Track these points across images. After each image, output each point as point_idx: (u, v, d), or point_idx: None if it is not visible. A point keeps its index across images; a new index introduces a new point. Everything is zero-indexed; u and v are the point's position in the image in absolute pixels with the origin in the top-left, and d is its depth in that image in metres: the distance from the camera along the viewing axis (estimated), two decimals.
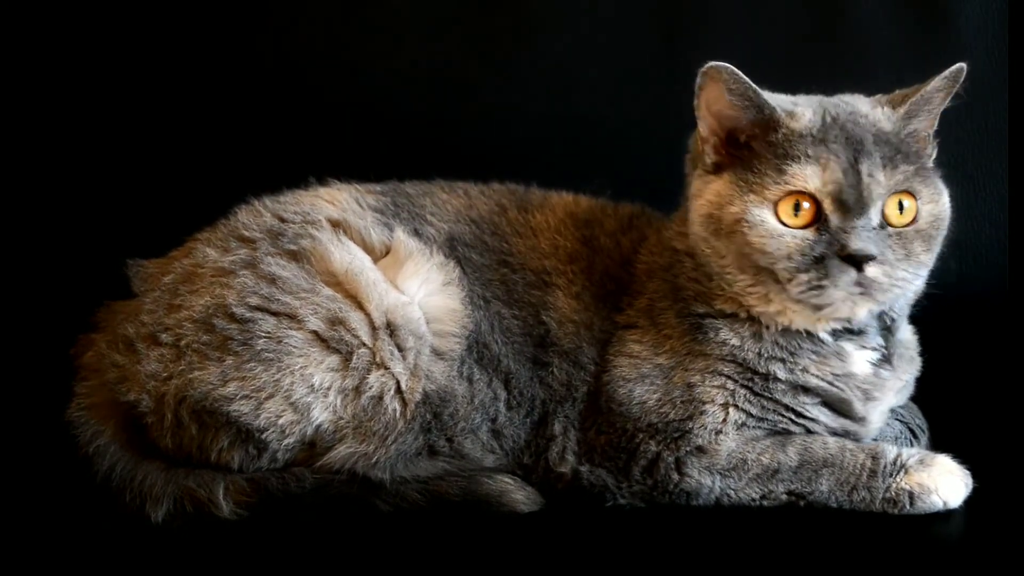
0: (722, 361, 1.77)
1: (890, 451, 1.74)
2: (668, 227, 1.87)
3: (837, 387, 1.77)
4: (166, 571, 1.66)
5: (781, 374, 1.76)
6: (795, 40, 2.51)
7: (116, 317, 1.86)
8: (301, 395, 1.73)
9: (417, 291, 1.82)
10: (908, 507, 1.72)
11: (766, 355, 1.76)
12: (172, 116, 2.55)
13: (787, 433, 1.78)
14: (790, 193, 1.66)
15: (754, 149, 1.71)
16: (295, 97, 2.57)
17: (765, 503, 1.76)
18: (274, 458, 1.77)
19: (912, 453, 1.75)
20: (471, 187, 1.99)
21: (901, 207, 1.68)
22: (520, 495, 1.79)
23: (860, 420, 1.79)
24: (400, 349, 1.77)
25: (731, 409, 1.76)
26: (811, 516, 1.74)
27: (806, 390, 1.77)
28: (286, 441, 1.75)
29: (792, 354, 1.76)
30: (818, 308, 1.70)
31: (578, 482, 1.80)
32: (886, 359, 1.80)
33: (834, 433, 1.79)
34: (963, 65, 1.71)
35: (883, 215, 1.67)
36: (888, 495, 1.72)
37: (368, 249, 1.84)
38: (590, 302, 1.85)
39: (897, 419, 1.89)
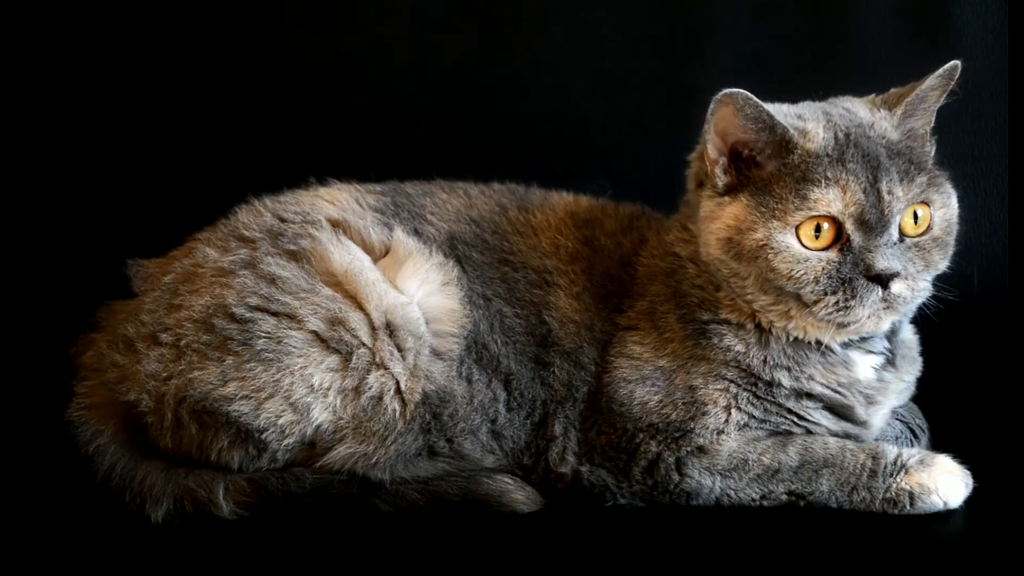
0: (725, 366, 1.76)
1: (890, 451, 1.74)
2: (668, 230, 1.86)
3: (841, 394, 1.77)
4: (166, 571, 1.66)
5: (786, 382, 1.76)
6: (795, 40, 2.50)
7: (116, 317, 1.86)
8: (301, 395, 1.73)
9: (416, 291, 1.82)
10: (908, 507, 1.72)
11: (772, 363, 1.76)
12: (172, 116, 2.55)
13: (788, 434, 1.78)
14: (812, 217, 1.66)
15: (765, 168, 1.70)
16: (295, 97, 2.57)
17: (765, 503, 1.76)
18: (274, 458, 1.77)
19: (912, 453, 1.75)
20: (471, 187, 1.99)
21: (916, 217, 1.68)
22: (520, 495, 1.79)
23: (862, 424, 1.80)
24: (399, 349, 1.77)
25: (733, 410, 1.76)
26: (811, 516, 1.74)
27: (809, 396, 1.77)
28: (286, 441, 1.75)
29: (799, 363, 1.76)
30: (843, 326, 1.70)
31: (578, 482, 1.80)
32: (890, 361, 1.80)
33: (835, 436, 1.79)
34: (957, 62, 1.71)
35: (900, 227, 1.68)
36: (888, 495, 1.72)
37: (368, 249, 1.84)
38: (591, 303, 1.85)
39: (898, 419, 1.89)
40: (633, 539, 1.71)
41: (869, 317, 1.68)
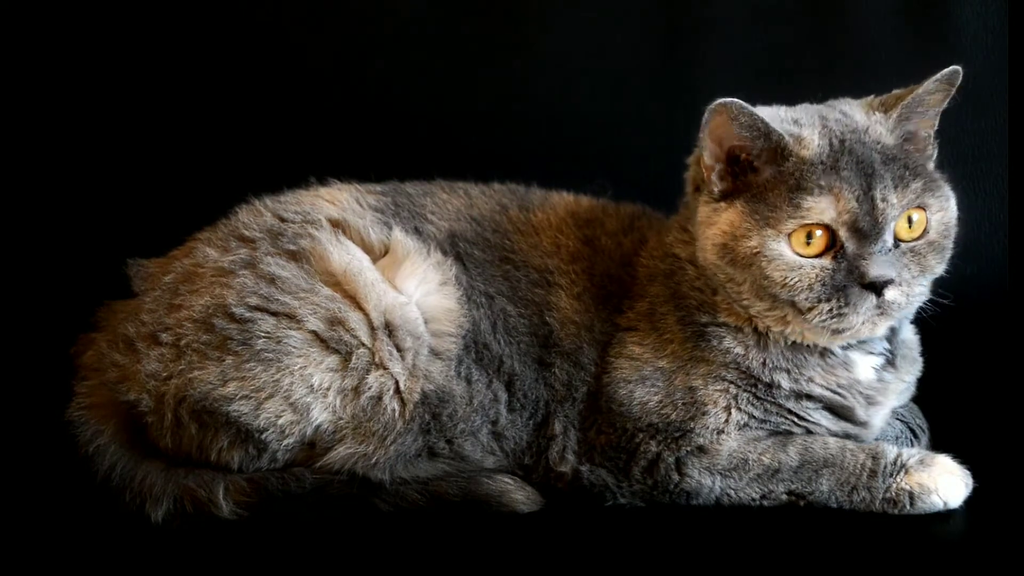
0: (724, 367, 1.76)
1: (890, 451, 1.74)
2: (668, 231, 1.86)
3: (840, 395, 1.77)
4: (166, 571, 1.67)
5: (785, 384, 1.76)
6: (795, 39, 2.50)
7: (116, 317, 1.86)
8: (300, 395, 1.73)
9: (415, 291, 1.82)
10: (908, 507, 1.72)
11: (771, 365, 1.76)
12: (172, 116, 2.55)
13: (788, 434, 1.78)
14: (804, 225, 1.66)
15: (762, 174, 1.69)
16: (296, 97, 2.57)
17: (765, 503, 1.76)
18: (274, 458, 1.77)
19: (912, 453, 1.75)
20: (472, 187, 1.99)
21: (910, 221, 1.68)
22: (520, 495, 1.79)
23: (862, 424, 1.80)
24: (399, 349, 1.77)
25: (733, 411, 1.76)
26: (811, 516, 1.74)
27: (809, 397, 1.77)
28: (286, 441, 1.75)
29: (798, 366, 1.76)
30: (838, 332, 1.70)
31: (578, 482, 1.80)
32: (890, 361, 1.80)
33: (835, 436, 1.79)
34: (958, 68, 1.69)
35: (896, 233, 1.67)
36: (888, 495, 1.72)
37: (367, 249, 1.84)
38: (591, 303, 1.85)
39: (898, 419, 1.89)
40: (633, 539, 1.71)
41: (864, 324, 1.68)
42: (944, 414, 1.96)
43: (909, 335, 1.87)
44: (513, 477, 1.81)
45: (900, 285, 1.66)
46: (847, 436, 1.79)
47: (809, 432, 1.78)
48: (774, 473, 1.75)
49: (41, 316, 2.37)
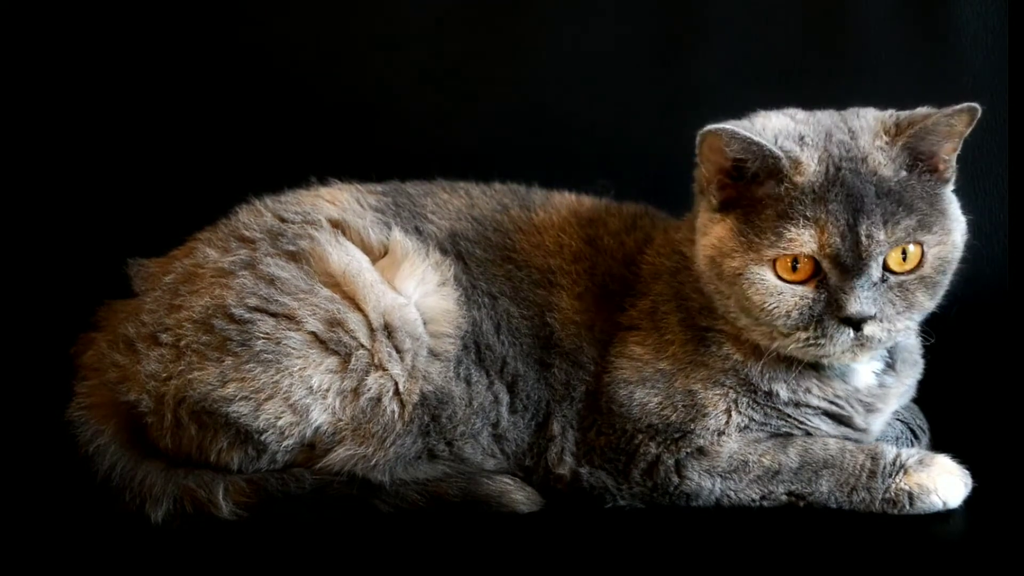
0: (724, 373, 1.76)
1: (889, 452, 1.74)
2: (677, 229, 1.86)
3: (838, 406, 1.77)
4: (166, 571, 1.67)
5: (783, 394, 1.75)
6: (795, 39, 2.50)
7: (116, 316, 1.86)
8: (300, 396, 1.73)
9: (414, 292, 1.81)
10: (908, 507, 1.71)
11: (768, 375, 1.75)
12: (172, 116, 2.55)
13: (788, 435, 1.78)
14: (785, 255, 1.65)
15: (761, 188, 1.67)
16: (296, 97, 2.56)
17: (765, 504, 1.76)
18: (273, 459, 1.77)
19: (911, 453, 1.75)
20: (473, 187, 1.99)
21: (904, 254, 1.65)
22: (520, 495, 1.79)
23: (861, 431, 1.80)
24: (398, 350, 1.77)
25: (734, 413, 1.76)
26: (811, 516, 1.74)
27: (808, 405, 1.77)
28: (285, 442, 1.75)
29: (794, 376, 1.75)
30: (816, 357, 1.70)
31: (578, 483, 1.80)
32: (890, 366, 1.80)
33: (835, 438, 1.79)
34: (975, 106, 1.64)
35: (886, 264, 1.64)
36: (888, 495, 1.72)
37: (367, 249, 1.84)
38: (592, 303, 1.84)
39: (898, 419, 1.89)
40: (633, 540, 1.71)
41: (843, 353, 1.67)
42: (944, 414, 1.96)
43: (911, 339, 1.86)
44: (513, 477, 1.81)
45: (881, 321, 1.64)
46: (847, 439, 1.79)
47: (809, 435, 1.78)
48: (774, 475, 1.75)
49: (41, 316, 2.37)
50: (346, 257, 1.80)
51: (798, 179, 1.65)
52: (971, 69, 2.42)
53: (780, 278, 1.66)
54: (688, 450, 1.76)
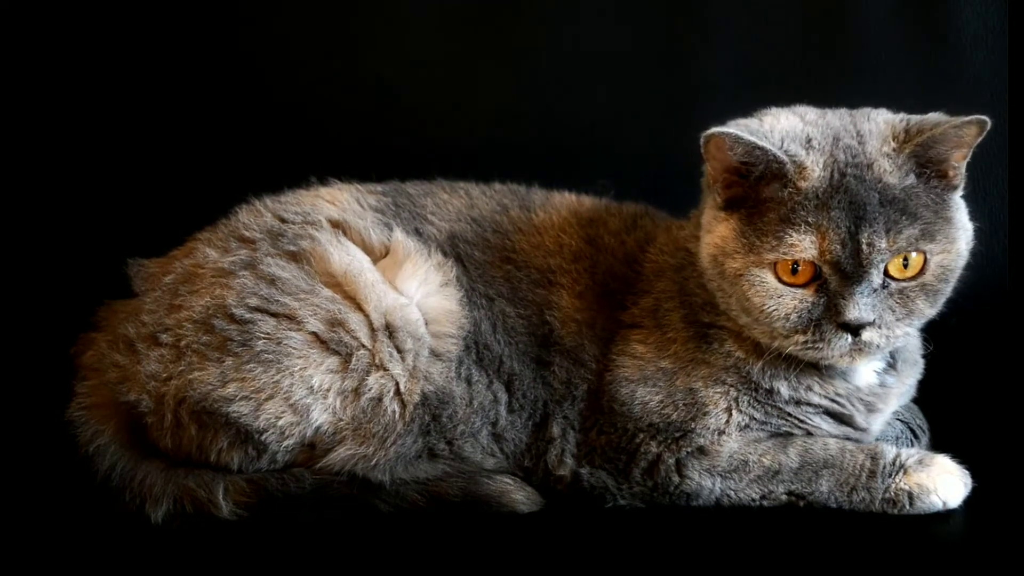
0: (725, 371, 1.76)
1: (889, 452, 1.74)
2: (683, 227, 1.85)
3: (839, 404, 1.77)
4: (166, 571, 1.67)
5: (784, 391, 1.76)
6: (795, 39, 2.50)
7: (116, 317, 1.86)
8: (300, 396, 1.73)
9: (415, 292, 1.81)
10: (907, 507, 1.72)
11: (769, 372, 1.75)
12: (172, 116, 2.55)
13: (788, 435, 1.78)
14: (785, 260, 1.64)
15: (762, 195, 1.67)
16: (296, 97, 2.57)
17: (765, 503, 1.76)
18: (273, 459, 1.77)
19: (911, 453, 1.75)
20: (473, 187, 1.99)
21: (906, 261, 1.64)
22: (520, 495, 1.79)
23: (862, 431, 1.80)
24: (399, 351, 1.77)
25: (734, 412, 1.76)
26: (811, 516, 1.74)
27: (809, 403, 1.77)
28: (286, 442, 1.75)
29: (796, 375, 1.75)
30: (814, 360, 1.70)
31: (578, 484, 1.80)
32: (892, 366, 1.80)
33: (835, 438, 1.79)
34: (985, 119, 1.62)
35: (887, 270, 1.64)
36: (887, 495, 1.72)
37: (368, 250, 1.84)
38: (593, 300, 1.84)
39: (898, 419, 1.89)
40: (633, 539, 1.71)
41: (840, 358, 1.68)
42: (944, 414, 1.96)
43: (911, 339, 1.86)
44: (513, 477, 1.81)
45: (879, 327, 1.64)
46: (847, 439, 1.79)
47: (809, 434, 1.78)
48: (774, 474, 1.75)
49: (41, 316, 2.37)
50: (347, 257, 1.80)
51: (802, 184, 1.64)
52: (971, 69, 2.42)
53: (780, 280, 1.66)
54: (689, 449, 1.76)
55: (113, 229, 2.47)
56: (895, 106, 1.76)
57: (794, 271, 1.65)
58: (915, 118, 1.69)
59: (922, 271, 1.65)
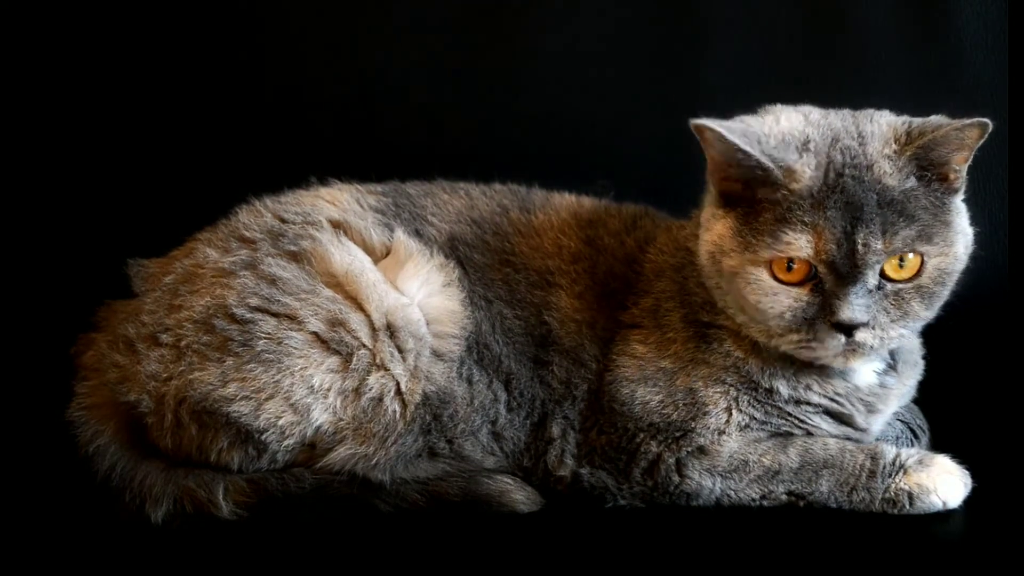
0: (725, 371, 1.76)
1: (889, 452, 1.74)
2: (683, 226, 1.86)
3: (839, 403, 1.77)
4: (166, 571, 1.67)
5: (784, 390, 1.75)
6: (795, 39, 2.50)
7: (116, 317, 1.86)
8: (301, 396, 1.73)
9: (417, 292, 1.81)
10: (907, 507, 1.72)
11: (768, 371, 1.75)
12: (172, 116, 2.55)
13: (788, 435, 1.78)
14: (780, 258, 1.64)
15: (757, 194, 1.66)
16: (296, 97, 2.57)
17: (765, 503, 1.76)
18: (274, 459, 1.77)
19: (911, 453, 1.75)
20: (473, 188, 1.99)
21: (902, 261, 1.64)
22: (520, 495, 1.79)
23: (862, 431, 1.80)
24: (400, 350, 1.77)
25: (734, 411, 1.76)
26: (811, 516, 1.74)
27: (808, 403, 1.77)
28: (286, 442, 1.75)
29: (795, 373, 1.75)
30: (809, 359, 1.70)
31: (578, 484, 1.80)
32: (892, 367, 1.80)
33: (835, 438, 1.79)
34: (987, 121, 1.63)
35: (883, 271, 1.63)
36: (887, 495, 1.72)
37: (369, 250, 1.84)
38: (593, 301, 1.84)
39: (898, 419, 1.89)
40: (633, 539, 1.71)
41: (834, 358, 1.68)
42: (944, 414, 1.96)
43: (912, 340, 1.85)
44: (513, 477, 1.81)
45: (873, 328, 1.64)
46: (847, 439, 1.79)
47: (809, 434, 1.78)
48: (774, 474, 1.75)
49: (41, 316, 2.37)
50: (348, 257, 1.80)
51: (794, 186, 1.64)
52: (971, 69, 2.42)
53: (776, 278, 1.66)
54: (689, 449, 1.76)
55: (113, 229, 2.47)
56: (895, 106, 1.76)
57: (789, 268, 1.65)
58: (917, 120, 1.69)
59: (918, 273, 1.65)
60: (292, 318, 1.74)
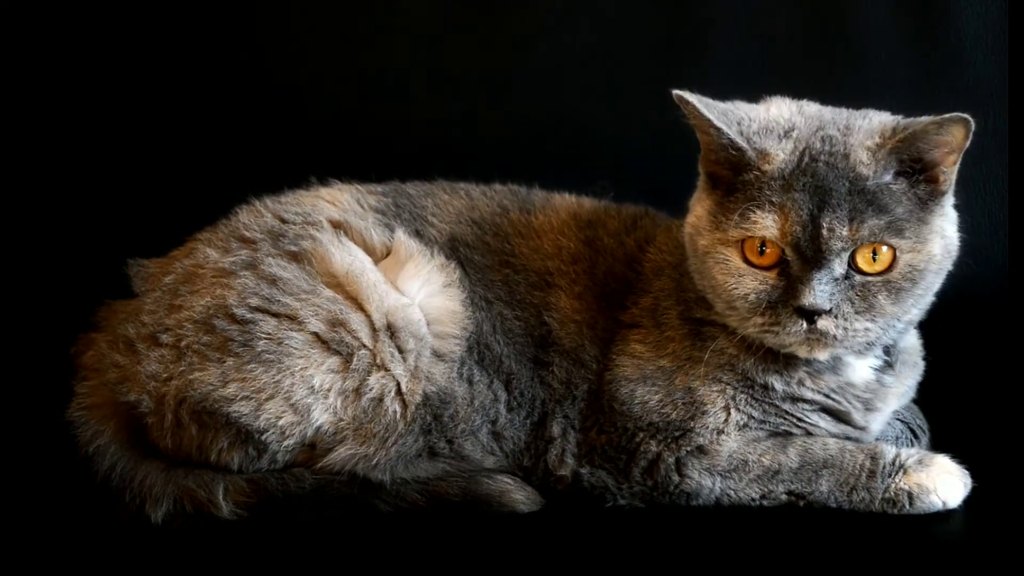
0: (721, 369, 1.76)
1: (889, 452, 1.74)
2: (682, 226, 1.86)
3: (834, 400, 1.77)
4: (166, 571, 1.67)
5: (778, 386, 1.75)
6: (795, 39, 2.50)
7: (116, 317, 1.86)
8: (301, 396, 1.73)
9: (417, 292, 1.82)
10: (907, 507, 1.72)
11: (762, 367, 1.75)
12: (172, 116, 2.55)
13: (788, 434, 1.78)
14: (749, 238, 1.65)
15: (738, 179, 1.68)
16: (297, 97, 2.57)
17: (765, 503, 1.76)
18: (274, 459, 1.77)
19: (911, 453, 1.75)
20: (473, 188, 1.99)
21: (875, 255, 1.63)
22: (520, 495, 1.79)
23: (860, 430, 1.80)
24: (400, 351, 1.77)
25: (732, 411, 1.76)
26: (811, 516, 1.74)
27: (803, 399, 1.77)
28: (286, 442, 1.75)
29: (787, 368, 1.75)
30: (774, 346, 1.70)
31: (578, 484, 1.80)
32: (889, 365, 1.79)
33: (835, 437, 1.79)
34: (967, 117, 1.61)
35: (855, 262, 1.63)
36: (887, 495, 1.72)
37: (369, 250, 1.84)
38: (592, 301, 1.85)
39: (898, 419, 1.89)
40: (633, 539, 1.71)
41: (798, 345, 1.67)
42: (944, 414, 1.96)
43: (912, 340, 1.85)
44: (513, 477, 1.81)
45: (836, 317, 1.63)
46: (847, 438, 1.79)
47: (809, 433, 1.78)
48: (774, 474, 1.75)
49: (41, 316, 2.37)
50: (349, 257, 1.80)
51: (766, 167, 1.66)
52: (971, 69, 2.43)
53: (747, 261, 1.66)
54: (688, 448, 1.76)
55: (113, 229, 2.47)
56: (895, 106, 1.76)
57: (760, 251, 1.65)
58: (907, 119, 1.70)
59: (890, 268, 1.65)
60: (292, 318, 1.74)
